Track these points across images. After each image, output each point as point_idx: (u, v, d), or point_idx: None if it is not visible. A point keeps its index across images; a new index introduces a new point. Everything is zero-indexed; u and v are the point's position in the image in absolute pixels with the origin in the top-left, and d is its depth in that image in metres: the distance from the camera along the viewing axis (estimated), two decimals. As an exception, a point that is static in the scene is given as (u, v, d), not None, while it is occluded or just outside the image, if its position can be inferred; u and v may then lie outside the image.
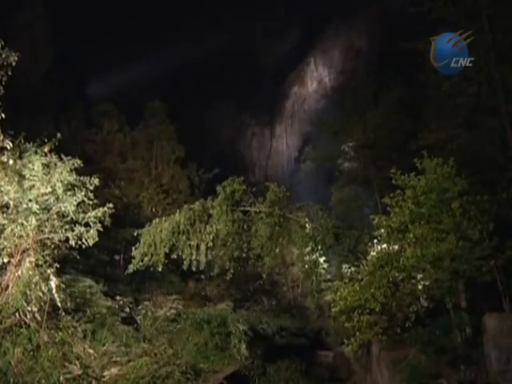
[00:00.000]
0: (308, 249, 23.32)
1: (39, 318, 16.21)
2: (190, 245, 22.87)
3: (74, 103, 40.15)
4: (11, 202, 16.77)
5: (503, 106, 19.02)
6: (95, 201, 18.19)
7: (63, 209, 17.33)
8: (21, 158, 17.45)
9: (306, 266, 23.84)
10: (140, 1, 72.78)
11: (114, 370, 15.76)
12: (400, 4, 48.67)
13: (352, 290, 17.50)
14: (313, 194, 45.48)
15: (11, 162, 16.64)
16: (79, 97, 42.60)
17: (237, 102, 77.73)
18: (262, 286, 37.35)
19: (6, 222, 16.57)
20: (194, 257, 22.67)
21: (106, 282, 27.46)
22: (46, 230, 17.18)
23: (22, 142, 17.59)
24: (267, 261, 22.96)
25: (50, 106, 35.32)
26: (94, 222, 17.74)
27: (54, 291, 16.64)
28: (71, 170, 17.86)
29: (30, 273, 16.33)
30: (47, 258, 16.99)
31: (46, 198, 17.21)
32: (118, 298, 24.40)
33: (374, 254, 19.68)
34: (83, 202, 17.86)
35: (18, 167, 17.04)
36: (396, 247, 17.95)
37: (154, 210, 39.74)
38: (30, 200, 16.95)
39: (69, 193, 17.56)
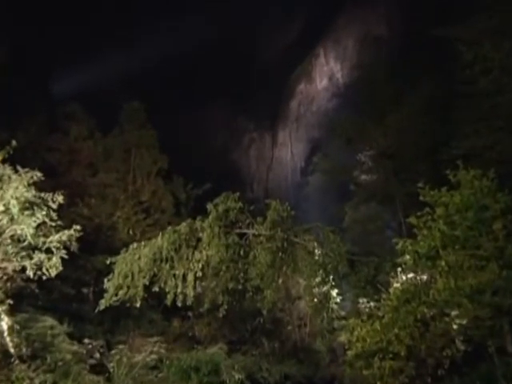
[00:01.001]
0: (317, 279, 23.15)
1: (-14, 368, 15.95)
2: (174, 275, 22.74)
3: (34, 104, 40.12)
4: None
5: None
6: (59, 222, 18.02)
7: (19, 232, 17.17)
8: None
9: (315, 301, 23.65)
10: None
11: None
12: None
13: (371, 329, 17.32)
14: (323, 213, 45.37)
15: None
16: (40, 96, 42.60)
17: (231, 102, 78.12)
18: (262, 324, 37.05)
19: None
20: (179, 289, 22.52)
21: (72, 321, 27.17)
22: (-3, 258, 17.02)
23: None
24: (268, 294, 22.78)
25: (3, 107, 35.26)
26: (58, 248, 17.58)
27: (5, 334, 16.36)
28: (29, 185, 17.72)
29: (-25, 312, 16.10)
30: (-2, 293, 16.79)
31: (-3, 218, 17.06)
32: (86, 340, 24.16)
33: (398, 285, 19.53)
34: (44, 223, 17.70)
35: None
36: (425, 277, 17.82)
37: (131, 232, 39.60)
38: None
39: (26, 212, 17.38)
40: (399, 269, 20.64)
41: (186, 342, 32.95)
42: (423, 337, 16.85)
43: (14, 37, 38.09)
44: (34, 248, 17.57)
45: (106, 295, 22.61)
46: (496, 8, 19.17)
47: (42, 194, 18.13)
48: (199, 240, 23.22)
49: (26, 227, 17.30)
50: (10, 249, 17.20)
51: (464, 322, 16.54)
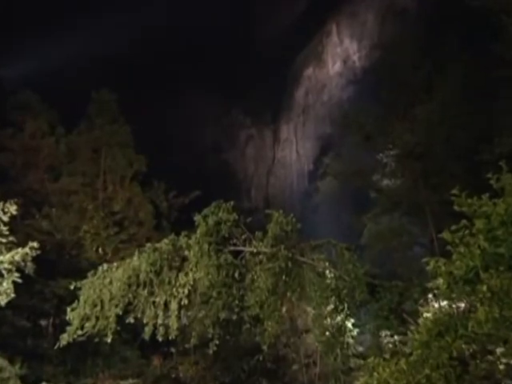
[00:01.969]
0: (329, 308, 23.14)
1: None
2: (154, 302, 22.76)
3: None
4: None
5: None
6: (11, 238, 17.95)
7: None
8: None
9: (327, 334, 23.61)
10: None
11: None
12: None
13: (396, 369, 17.24)
14: (336, 227, 45.52)
15: None
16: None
17: (223, 91, 78.07)
18: (262, 363, 37.03)
19: None
20: (160, 320, 22.54)
21: (27, 360, 27.12)
22: None
23: None
24: (269, 326, 22.75)
25: None
26: (9, 271, 17.49)
27: None
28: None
29: None
30: None
31: None
32: (44, 384, 24.11)
33: (429, 315, 19.47)
34: (-8, 239, 17.62)
35: None
36: (462, 305, 17.76)
37: (100, 250, 39.67)
38: None
39: (-32, 226, 17.33)
40: (430, 295, 20.59)
41: (168, 385, 32.96)
42: (461, 379, 16.79)
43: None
44: (-22, 270, 17.52)
45: (69, 328, 22.58)
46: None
47: (-10, 204, 18.09)
48: (185, 260, 23.24)
49: (-32, 245, 17.26)
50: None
51: None
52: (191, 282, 22.73)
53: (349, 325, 24.22)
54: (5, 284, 16.99)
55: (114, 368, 31.84)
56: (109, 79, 51.96)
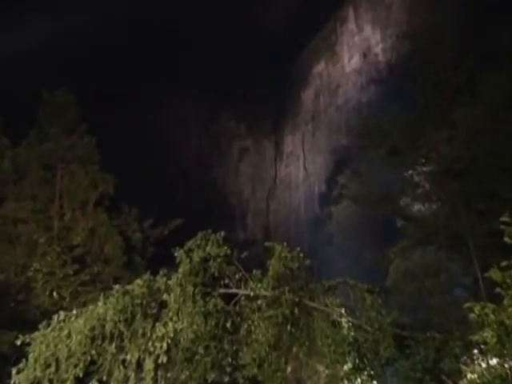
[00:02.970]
0: (347, 367, 23.11)
1: None
2: (124, 361, 22.70)
3: None
4: None
5: None
6: None
7: None
8: None
9: (345, 401, 23.62)
10: None
11: None
12: None
13: None
14: (354, 263, 45.45)
15: None
16: None
17: (212, 93, 78.21)
18: None
19: None
20: (132, 383, 22.45)
21: None
22: None
23: None
24: (271, 390, 22.77)
25: None
26: None
27: None
28: None
29: None
30: None
31: None
32: None
33: (474, 376, 19.48)
34: None
35: None
36: (516, 364, 17.81)
37: (55, 294, 39.55)
38: None
39: None
40: (475, 350, 20.59)
41: None
42: None
43: None
44: None
45: (14, 395, 22.51)
46: None
47: None
48: (163, 306, 23.24)
49: None
50: None
51: None
52: (171, 335, 22.64)
53: (372, 389, 24.22)
54: None
55: None
56: (67, 77, 52.07)
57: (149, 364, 22.50)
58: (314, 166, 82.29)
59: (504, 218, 17.72)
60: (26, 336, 23.13)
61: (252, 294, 23.34)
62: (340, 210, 55.08)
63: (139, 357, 22.68)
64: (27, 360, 22.69)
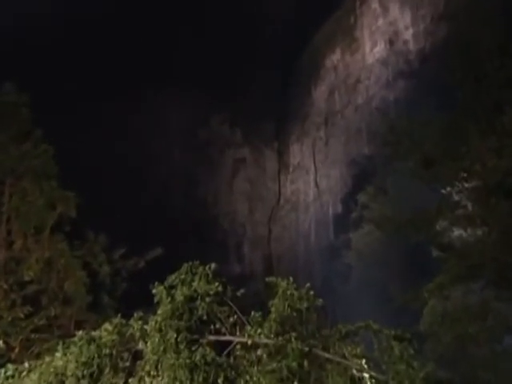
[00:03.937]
0: None
1: None
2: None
3: None
4: None
5: None
6: None
7: None
8: None
9: None
10: None
11: None
12: None
13: None
14: (378, 302, 45.48)
15: None
16: None
17: (201, 92, 78.13)
18: None
19: None
20: None
21: None
22: None
23: None
24: None
25: None
26: None
27: None
28: None
29: None
30: None
31: None
32: None
33: None
34: None
35: None
36: None
37: (2, 343, 39.50)
38: None
39: None
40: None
41: None
42: None
43: None
44: None
45: None
46: None
47: None
48: (138, 357, 23.14)
49: None
50: None
51: None
52: (148, 393, 22.63)
53: None
54: None
55: None
56: (16, 71, 52.05)
57: (120, 431, 22.48)
58: (328, 181, 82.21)
59: None
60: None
61: (250, 341, 23.23)
62: (360, 236, 55.19)
63: (108, 420, 22.64)
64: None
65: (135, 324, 23.35)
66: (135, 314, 23.68)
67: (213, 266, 23.77)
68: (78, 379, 22.62)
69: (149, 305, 23.62)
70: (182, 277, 23.57)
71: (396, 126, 47.68)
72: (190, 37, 75.21)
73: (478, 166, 36.90)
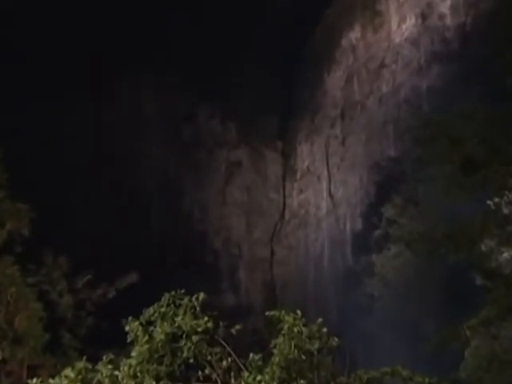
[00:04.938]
0: None
1: None
2: None
3: None
4: None
5: None
6: None
7: None
8: None
9: None
10: None
11: None
12: None
13: None
14: (407, 341, 45.63)
15: None
16: None
17: (186, 80, 78.23)
18: None
19: None
20: None
21: None
22: None
23: None
24: None
25: None
26: None
27: None
28: None
29: None
30: None
31: None
32: None
33: None
34: None
35: None
36: None
37: None
38: None
39: None
40: None
41: None
42: None
43: None
44: None
45: None
46: None
47: None
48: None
49: None
50: None
51: None
52: None
53: None
54: None
55: None
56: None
57: None
58: (345, 190, 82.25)
59: None
60: None
61: (249, 390, 23.44)
62: (386, 259, 55.29)
63: None
64: None
65: (104, 369, 23.33)
66: (104, 357, 23.77)
67: (201, 296, 23.87)
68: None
69: (121, 345, 23.77)
70: (163, 310, 23.65)
71: (430, 120, 47.70)
72: (174, 19, 75.59)
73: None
